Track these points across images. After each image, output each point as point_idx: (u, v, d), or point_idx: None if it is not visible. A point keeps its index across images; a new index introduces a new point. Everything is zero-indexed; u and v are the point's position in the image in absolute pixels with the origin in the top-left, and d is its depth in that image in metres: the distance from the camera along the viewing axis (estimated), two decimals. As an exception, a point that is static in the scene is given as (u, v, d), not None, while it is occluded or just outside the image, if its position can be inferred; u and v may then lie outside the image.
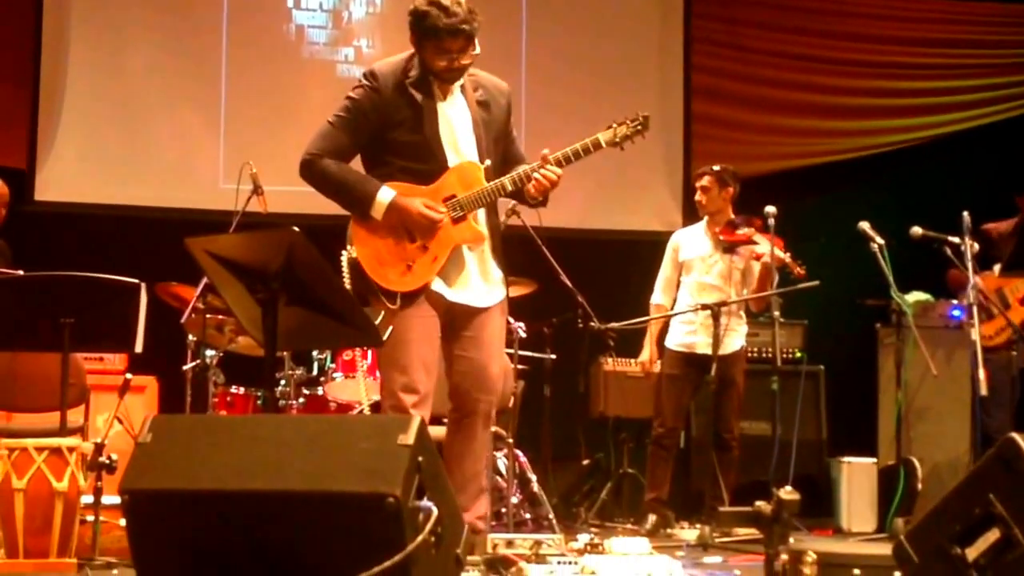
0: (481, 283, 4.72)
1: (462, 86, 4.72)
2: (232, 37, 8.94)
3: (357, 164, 4.80)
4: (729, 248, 6.96)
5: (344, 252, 4.66)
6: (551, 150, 4.67)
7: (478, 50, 4.61)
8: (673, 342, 7.10)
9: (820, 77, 9.62)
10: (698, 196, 7.14)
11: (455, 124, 4.70)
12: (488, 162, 4.68)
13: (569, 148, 4.65)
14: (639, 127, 4.72)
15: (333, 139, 4.67)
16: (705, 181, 7.11)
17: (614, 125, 4.73)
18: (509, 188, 4.64)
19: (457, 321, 4.71)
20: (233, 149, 8.68)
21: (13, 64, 8.69)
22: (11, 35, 8.73)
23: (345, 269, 4.65)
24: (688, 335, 7.03)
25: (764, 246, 6.69)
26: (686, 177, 9.10)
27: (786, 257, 6.67)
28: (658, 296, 7.20)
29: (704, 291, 6.97)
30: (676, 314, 7.02)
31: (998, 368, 6.43)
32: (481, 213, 4.70)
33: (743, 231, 6.90)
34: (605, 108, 8.17)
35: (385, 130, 4.64)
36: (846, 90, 9.63)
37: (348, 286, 4.66)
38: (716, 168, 7.14)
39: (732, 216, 7.07)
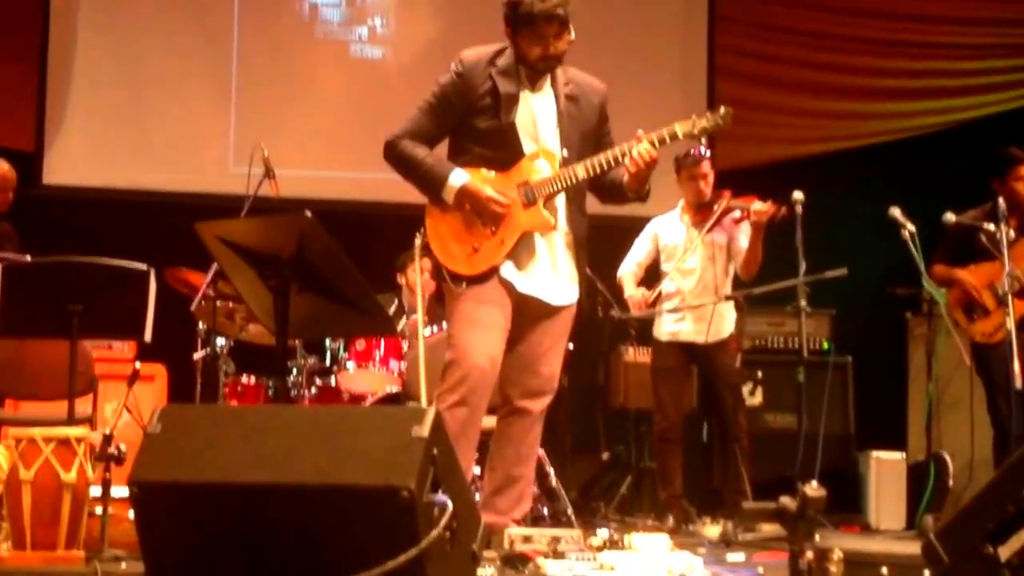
0: (551, 274, 4.76)
1: (553, 79, 4.76)
2: (243, 17, 8.88)
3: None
4: (712, 226, 6.75)
5: (418, 234, 4.78)
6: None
7: (573, 35, 4.66)
8: (661, 332, 6.95)
9: (849, 57, 9.50)
10: (702, 186, 6.81)
11: (538, 114, 4.74)
12: (565, 152, 4.71)
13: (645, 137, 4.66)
14: (720, 120, 4.69)
15: (417, 123, 4.76)
16: (707, 168, 6.85)
17: (693, 116, 4.72)
18: (580, 175, 4.66)
19: (524, 314, 4.74)
20: (244, 131, 8.62)
21: (21, 45, 8.66)
22: (19, 15, 8.69)
23: (418, 251, 4.79)
24: (676, 323, 6.89)
25: (742, 205, 6.55)
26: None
27: (767, 206, 6.47)
28: (630, 266, 7.00)
29: (688, 276, 6.81)
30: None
31: (1000, 364, 6.30)
32: (562, 207, 4.74)
33: (715, 207, 6.73)
34: (626, 89, 7.98)
35: (467, 116, 4.73)
36: (877, 71, 9.50)
37: (422, 267, 4.88)
38: (708, 154, 6.88)
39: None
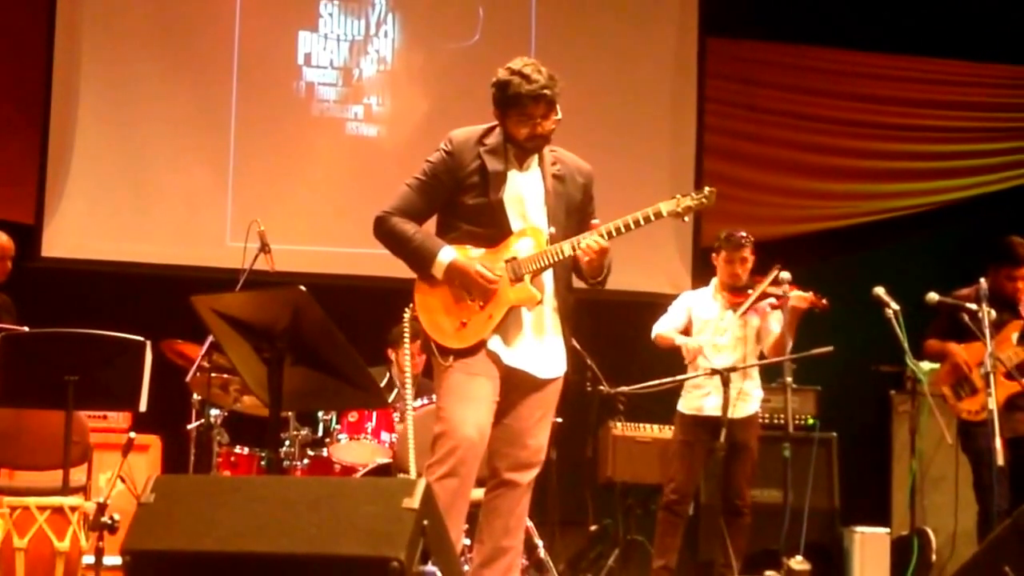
0: (538, 347, 4.78)
1: (540, 158, 4.82)
2: (241, 94, 8.93)
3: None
4: (747, 309, 6.84)
5: (407, 308, 4.80)
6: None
7: (560, 115, 4.72)
8: (685, 406, 6.99)
9: (836, 139, 9.59)
10: (737, 269, 6.91)
11: (525, 192, 4.78)
12: (552, 229, 4.76)
13: (630, 216, 4.69)
14: (704, 200, 4.75)
15: (407, 200, 4.79)
16: (747, 253, 6.94)
17: (678, 196, 4.77)
18: (567, 252, 4.70)
19: (512, 387, 4.76)
20: (241, 207, 8.67)
21: (23, 120, 8.70)
22: (21, 91, 8.75)
23: (407, 325, 4.80)
24: (701, 398, 6.92)
25: (781, 291, 6.63)
26: (696, 238, 9.06)
27: (806, 296, 6.58)
28: (668, 327, 7.04)
29: (718, 354, 6.87)
30: (689, 377, 6.89)
31: (986, 439, 6.34)
32: (549, 282, 4.78)
33: (750, 290, 6.81)
34: (615, 168, 8.11)
35: (456, 194, 4.76)
36: (863, 152, 9.59)
37: (410, 341, 4.86)
38: (751, 237, 6.99)
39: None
